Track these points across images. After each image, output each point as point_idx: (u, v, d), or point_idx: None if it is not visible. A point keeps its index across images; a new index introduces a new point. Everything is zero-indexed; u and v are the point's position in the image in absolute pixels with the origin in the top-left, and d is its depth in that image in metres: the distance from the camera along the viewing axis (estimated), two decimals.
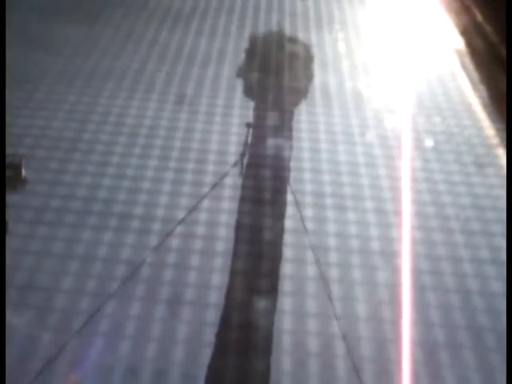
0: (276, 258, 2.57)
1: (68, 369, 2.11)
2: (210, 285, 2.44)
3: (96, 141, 3.15)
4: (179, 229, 2.67)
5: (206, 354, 2.19)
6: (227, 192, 2.88)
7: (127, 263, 2.50)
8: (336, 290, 2.45)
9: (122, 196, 2.82)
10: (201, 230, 2.67)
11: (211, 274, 2.48)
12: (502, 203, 2.91)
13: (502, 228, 2.77)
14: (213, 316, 2.32)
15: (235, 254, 2.57)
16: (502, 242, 2.70)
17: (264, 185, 2.95)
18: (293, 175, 3.02)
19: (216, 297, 2.39)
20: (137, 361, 2.15)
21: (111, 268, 2.48)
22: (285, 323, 2.31)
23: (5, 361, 2.09)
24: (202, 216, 2.74)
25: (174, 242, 2.61)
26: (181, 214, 2.74)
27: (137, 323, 2.28)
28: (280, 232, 2.69)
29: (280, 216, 2.77)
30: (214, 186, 2.91)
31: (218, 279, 2.46)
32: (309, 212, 2.80)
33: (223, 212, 2.77)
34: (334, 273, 2.52)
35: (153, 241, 2.61)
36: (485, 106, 3.58)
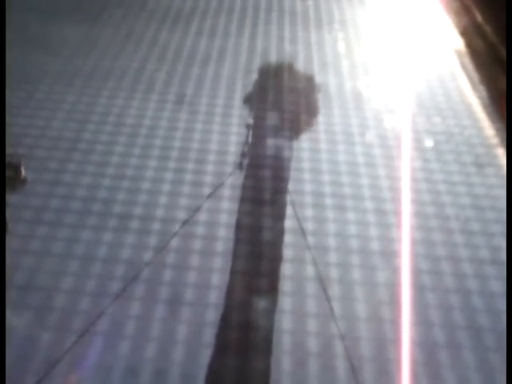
0: (276, 258, 2.57)
1: (68, 369, 2.11)
2: (210, 285, 2.44)
3: (96, 141, 3.15)
4: (179, 229, 2.67)
5: (206, 354, 2.19)
6: (227, 192, 2.88)
7: (127, 263, 2.50)
8: (336, 290, 2.45)
9: (121, 196, 2.82)
10: (201, 230, 2.67)
11: (211, 274, 2.48)
12: (502, 203, 2.90)
13: (501, 228, 2.77)
14: (213, 316, 2.32)
15: (235, 255, 2.57)
16: (502, 242, 2.70)
17: (264, 185, 2.94)
18: (292, 175, 3.01)
19: (216, 297, 2.39)
20: (137, 361, 2.15)
21: (111, 268, 2.47)
22: (284, 323, 2.31)
23: (5, 361, 2.09)
24: (202, 216, 2.74)
25: (174, 242, 2.61)
26: (181, 214, 2.74)
27: (137, 323, 2.28)
28: (280, 232, 2.69)
29: (280, 216, 2.77)
30: (214, 186, 2.91)
31: (218, 279, 2.46)
32: (308, 212, 2.80)
33: (223, 212, 2.77)
34: (333, 273, 2.52)
35: (152, 241, 2.60)
36: (485, 106, 3.58)
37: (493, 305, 2.43)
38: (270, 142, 3.23)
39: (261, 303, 2.38)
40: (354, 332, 2.30)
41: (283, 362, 2.19)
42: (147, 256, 2.53)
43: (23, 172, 2.89)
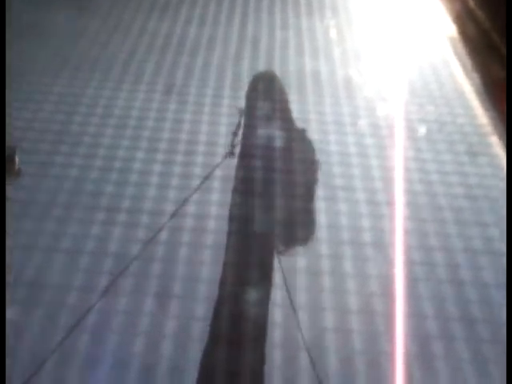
0: (266, 250, 2.54)
1: (56, 364, 2.08)
2: (200, 278, 2.41)
3: (83, 133, 3.11)
4: (168, 222, 2.63)
5: (195, 348, 2.17)
6: (217, 183, 2.84)
7: (115, 257, 2.47)
8: (327, 281, 2.42)
9: (109, 189, 2.78)
10: (190, 222, 2.64)
11: (201, 267, 2.45)
12: (495, 193, 2.88)
13: (494, 218, 2.74)
14: (202, 309, 2.30)
15: (225, 247, 2.54)
16: (495, 232, 2.68)
17: (255, 176, 2.91)
18: (284, 166, 2.98)
19: (205, 290, 2.36)
20: (125, 355, 2.13)
21: (99, 262, 2.45)
22: (275, 316, 2.29)
23: (5, 360, 2.05)
24: (192, 208, 2.71)
25: (163, 235, 2.58)
26: (169, 207, 2.70)
27: (125, 317, 2.26)
28: (271, 224, 2.66)
29: (271, 207, 2.74)
30: (204, 177, 2.87)
31: (208, 272, 2.43)
32: (300, 203, 2.77)
33: (213, 204, 2.73)
34: (325, 265, 2.49)
35: (141, 234, 2.57)
36: (478, 94, 3.54)
37: (486, 295, 2.41)
38: (261, 131, 3.20)
39: (251, 296, 2.36)
40: (346, 324, 2.27)
41: (274, 354, 2.17)
42: (136, 249, 2.50)
43: (17, 163, 2.84)
